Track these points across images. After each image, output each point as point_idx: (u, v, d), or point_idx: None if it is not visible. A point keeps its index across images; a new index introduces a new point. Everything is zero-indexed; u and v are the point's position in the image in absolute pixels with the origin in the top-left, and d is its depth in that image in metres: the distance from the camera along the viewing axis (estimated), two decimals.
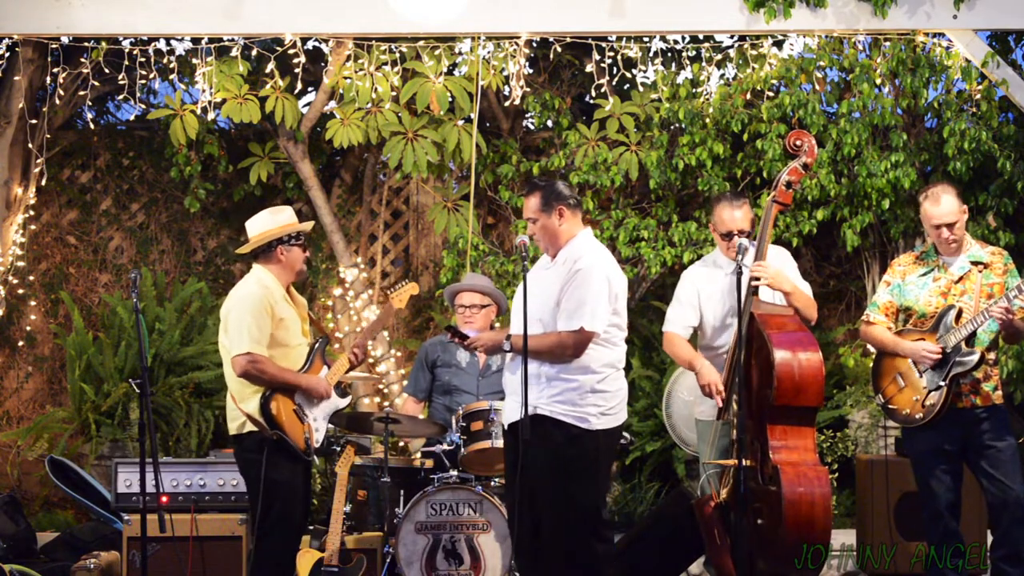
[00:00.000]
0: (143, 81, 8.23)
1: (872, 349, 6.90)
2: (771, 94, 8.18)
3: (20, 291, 9.10)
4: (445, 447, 6.79)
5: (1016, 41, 8.42)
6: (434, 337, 7.75)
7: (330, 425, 6.31)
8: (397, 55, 8.26)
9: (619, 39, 8.12)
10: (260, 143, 8.98)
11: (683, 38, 8.56)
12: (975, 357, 5.79)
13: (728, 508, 6.02)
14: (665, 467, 8.65)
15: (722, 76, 8.51)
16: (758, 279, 6.00)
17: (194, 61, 8.28)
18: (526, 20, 7.96)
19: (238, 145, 9.18)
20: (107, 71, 8.31)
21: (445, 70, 8.32)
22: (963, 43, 7.83)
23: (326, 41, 8.47)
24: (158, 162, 9.31)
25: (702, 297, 6.35)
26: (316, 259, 9.21)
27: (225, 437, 6.18)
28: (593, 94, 8.38)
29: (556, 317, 5.63)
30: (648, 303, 8.84)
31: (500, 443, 6.54)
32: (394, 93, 8.36)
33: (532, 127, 9.24)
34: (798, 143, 6.15)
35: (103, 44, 8.19)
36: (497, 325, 7.29)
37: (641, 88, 8.50)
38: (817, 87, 8.22)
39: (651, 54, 8.46)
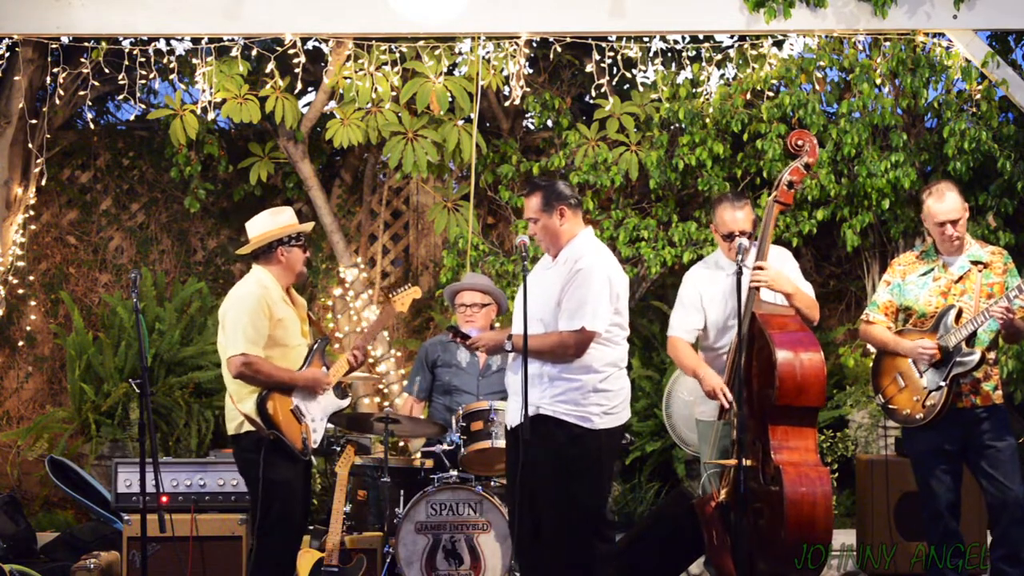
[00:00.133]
0: (143, 81, 8.23)
1: (872, 349, 6.90)
2: (771, 94, 8.18)
3: (20, 291, 9.10)
4: (445, 447, 6.79)
5: (1016, 41, 8.42)
6: (434, 337, 7.75)
7: (330, 425, 6.30)
8: (397, 55, 8.25)
9: (619, 39, 8.12)
10: (260, 143, 8.98)
11: (683, 38, 8.56)
12: (975, 357, 5.79)
13: (728, 508, 6.01)
14: (665, 467, 8.65)
15: (722, 76, 8.52)
16: (758, 286, 5.99)
17: (194, 61, 8.28)
18: (526, 20, 7.96)
19: (238, 145, 9.18)
20: (107, 71, 8.31)
21: (445, 70, 8.32)
22: (963, 43, 7.83)
23: (326, 41, 8.47)
24: (158, 162, 9.31)
25: (704, 299, 6.34)
26: (316, 259, 9.22)
27: (225, 437, 6.17)
28: (593, 94, 8.38)
29: (557, 317, 5.62)
30: (648, 303, 8.84)
31: (500, 443, 6.54)
32: (394, 93, 8.36)
33: (532, 127, 9.24)
34: (800, 143, 6.15)
35: (103, 44, 8.19)
36: (497, 325, 7.29)
37: (641, 88, 8.50)
38: (817, 87, 8.22)
39: (651, 54, 8.46)
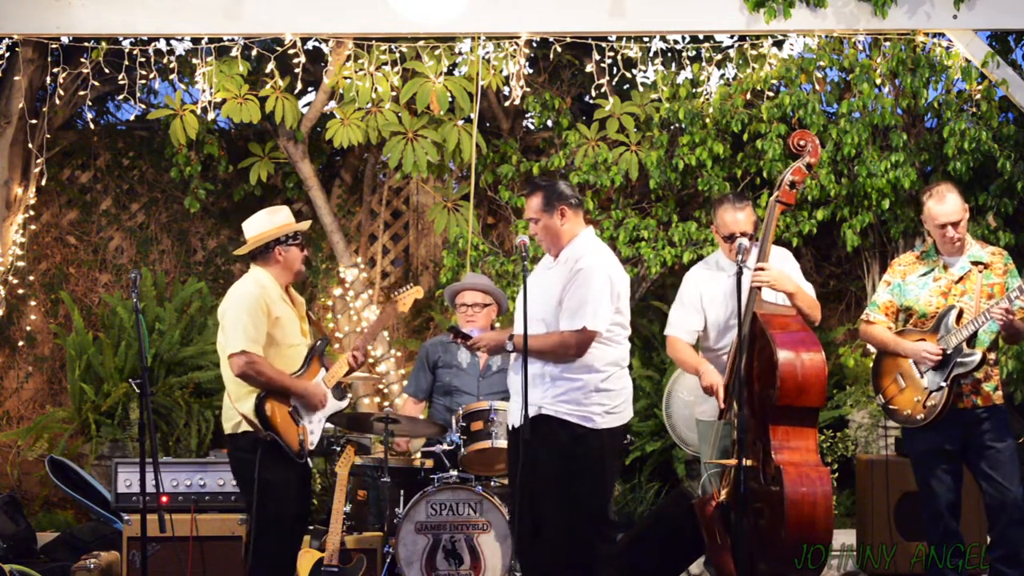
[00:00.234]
0: (143, 81, 8.23)
1: (872, 349, 6.90)
2: (771, 94, 8.18)
3: (20, 291, 9.10)
4: (445, 447, 6.79)
5: (1016, 41, 8.42)
6: (434, 337, 7.75)
7: (329, 425, 6.30)
8: (397, 55, 8.25)
9: (619, 39, 8.12)
10: (260, 143, 8.98)
11: (683, 38, 8.56)
12: (976, 358, 5.79)
13: (729, 508, 6.01)
14: (665, 467, 8.65)
15: (722, 76, 8.52)
16: (760, 286, 5.99)
17: (194, 61, 8.28)
18: (526, 20, 7.96)
19: (238, 145, 9.18)
20: (107, 71, 8.31)
21: (445, 70, 8.32)
22: (963, 43, 7.83)
23: (326, 41, 8.47)
24: (158, 162, 9.31)
25: (705, 299, 6.34)
26: (316, 259, 9.22)
27: (224, 437, 6.17)
28: (593, 94, 8.38)
29: (559, 317, 5.62)
30: (648, 303, 8.84)
31: (500, 443, 6.55)
32: (394, 93, 8.36)
33: (532, 127, 9.24)
34: (802, 143, 6.15)
35: (103, 44, 8.19)
36: (498, 325, 7.29)
37: (641, 88, 8.50)
38: (817, 87, 8.22)
39: (651, 54, 8.46)
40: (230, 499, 7.15)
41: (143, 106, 8.43)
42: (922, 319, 5.99)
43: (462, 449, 6.65)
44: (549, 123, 8.78)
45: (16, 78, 8.43)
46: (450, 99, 8.37)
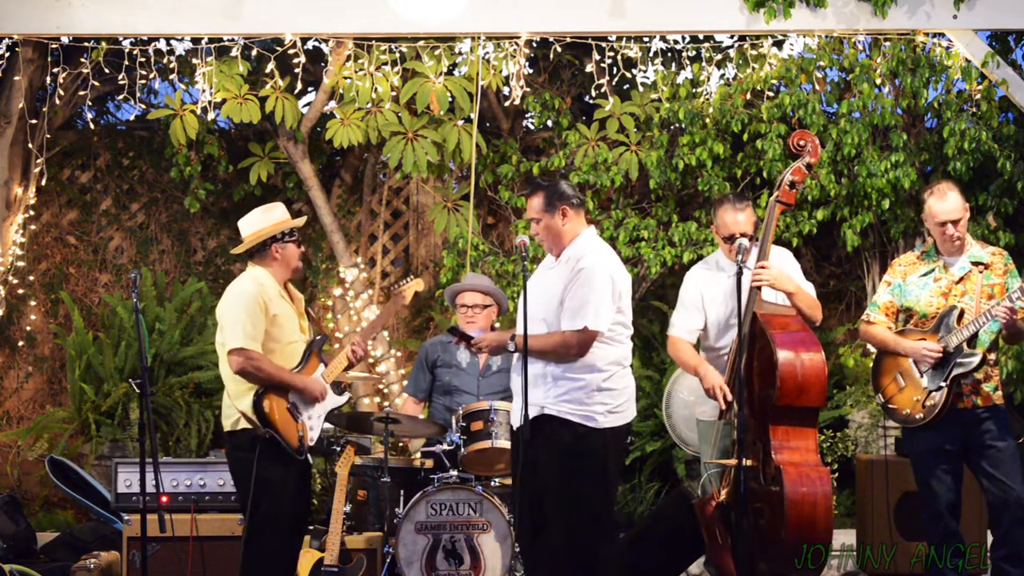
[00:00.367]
0: (143, 81, 8.23)
1: (872, 349, 6.89)
2: (771, 94, 8.18)
3: (20, 291, 9.10)
4: (445, 447, 6.79)
5: (1016, 41, 8.42)
6: (434, 337, 7.75)
7: (329, 425, 6.29)
8: (397, 55, 8.25)
9: (619, 39, 8.12)
10: (260, 143, 8.97)
11: (683, 38, 8.56)
12: (977, 358, 5.79)
13: (729, 508, 6.01)
14: (665, 467, 8.65)
15: (722, 76, 8.52)
16: (760, 285, 5.99)
17: (194, 61, 8.28)
18: (526, 20, 7.96)
19: (238, 145, 9.18)
20: (107, 71, 8.31)
21: (445, 70, 8.32)
22: (963, 43, 7.83)
23: (326, 41, 8.47)
24: (158, 162, 9.31)
25: (705, 299, 6.34)
26: (316, 259, 9.22)
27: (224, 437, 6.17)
28: (593, 94, 8.38)
29: (560, 317, 5.62)
30: (648, 303, 8.84)
31: (500, 443, 6.55)
32: (394, 93, 8.36)
33: (532, 127, 9.24)
34: (802, 143, 6.15)
35: (103, 44, 8.19)
36: (498, 325, 7.29)
37: (641, 88, 8.50)
38: (817, 87, 8.22)
39: (651, 54, 8.46)
40: (230, 499, 7.15)
41: (143, 106, 8.43)
42: (922, 319, 5.99)
43: (462, 449, 6.65)
44: (549, 123, 8.78)
45: (16, 78, 8.43)
46: (450, 99, 8.37)
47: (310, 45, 8.69)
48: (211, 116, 8.41)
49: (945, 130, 7.92)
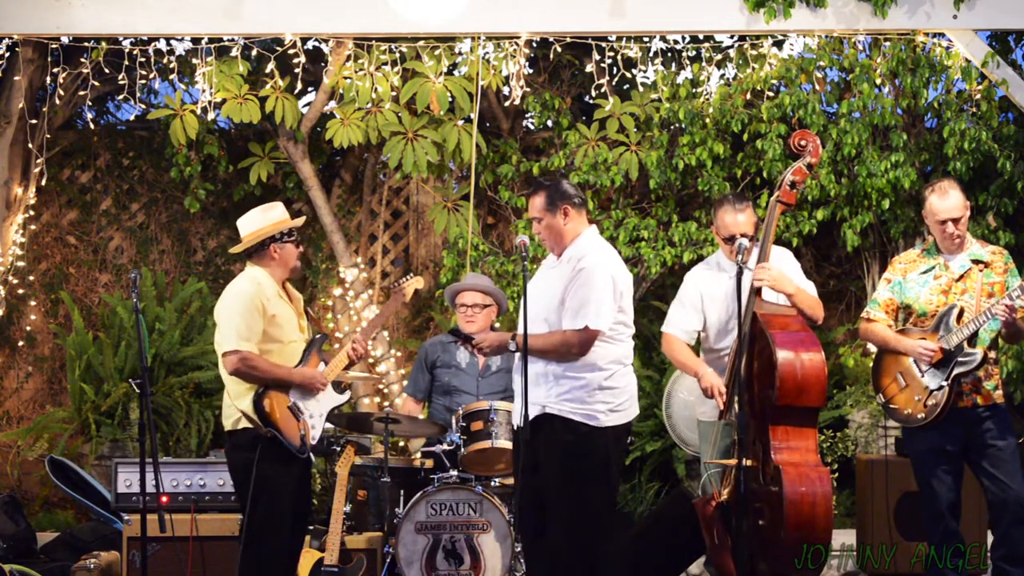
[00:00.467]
0: (143, 81, 8.23)
1: (872, 349, 6.89)
2: (771, 94, 8.18)
3: (20, 291, 9.10)
4: (445, 447, 6.79)
5: (1016, 41, 8.42)
6: (434, 337, 7.75)
7: (329, 425, 6.29)
8: (397, 55, 8.25)
9: (619, 39, 8.12)
10: (260, 143, 8.98)
11: (683, 38, 8.56)
12: (977, 356, 5.79)
13: (729, 508, 6.01)
14: (665, 467, 8.65)
15: (722, 76, 8.52)
16: (761, 286, 5.99)
17: (194, 61, 8.28)
18: (526, 20, 7.96)
19: (238, 145, 9.18)
20: (107, 71, 8.31)
21: (445, 70, 8.32)
22: (963, 43, 7.83)
23: (326, 41, 8.47)
24: (158, 162, 9.32)
25: (705, 300, 6.34)
26: (316, 259, 9.22)
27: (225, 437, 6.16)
28: (593, 94, 8.38)
29: (561, 316, 5.62)
30: (648, 303, 8.84)
31: (500, 443, 6.56)
32: (394, 93, 8.36)
33: (532, 127, 9.24)
34: (803, 143, 6.15)
35: (103, 44, 8.19)
36: (497, 325, 7.29)
37: (641, 88, 8.50)
38: (817, 87, 8.22)
39: (651, 54, 8.46)
40: (230, 499, 7.15)
41: (143, 106, 8.43)
42: (922, 317, 5.99)
43: (462, 449, 6.65)
44: (549, 123, 8.78)
45: (16, 78, 8.43)
46: (450, 99, 8.37)
47: (310, 45, 8.70)
48: (211, 116, 8.41)
49: (945, 130, 7.92)
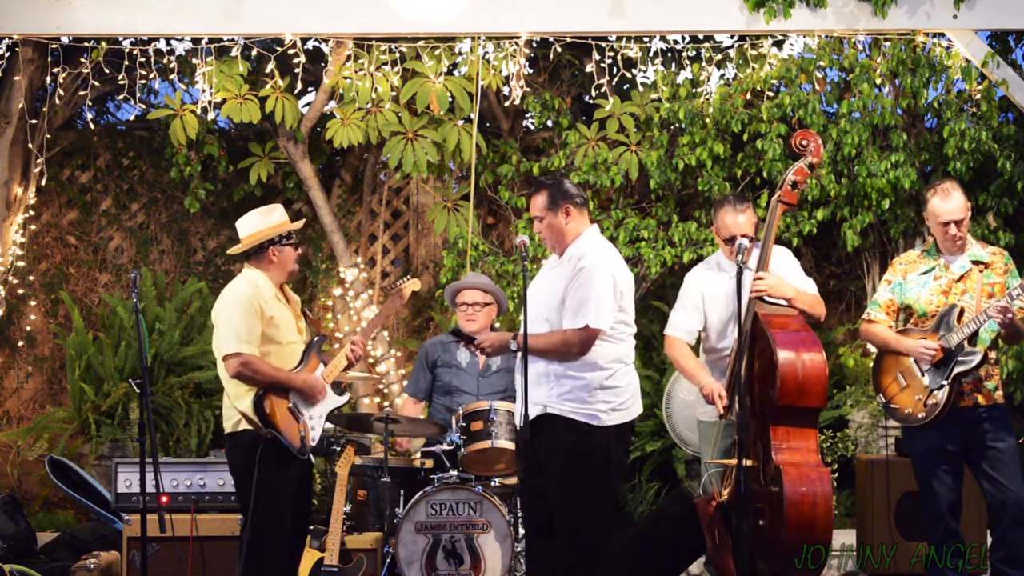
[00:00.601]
0: (143, 81, 8.23)
1: (872, 349, 6.89)
2: (771, 94, 8.18)
3: (20, 291, 9.10)
4: (445, 447, 6.78)
5: (1016, 41, 8.43)
6: (434, 337, 7.75)
7: (329, 425, 6.29)
8: (397, 55, 8.25)
9: (619, 39, 8.12)
10: (260, 143, 8.97)
11: (683, 38, 8.56)
12: (978, 356, 5.79)
13: (729, 508, 6.01)
14: (665, 467, 8.64)
15: (722, 76, 8.52)
16: (759, 296, 5.99)
17: (194, 61, 8.28)
18: (526, 20, 7.96)
19: (238, 145, 9.18)
20: (107, 71, 8.31)
21: (445, 70, 8.32)
22: (963, 43, 7.84)
23: (326, 41, 8.47)
24: (158, 162, 9.32)
25: (706, 300, 6.34)
26: (316, 259, 9.22)
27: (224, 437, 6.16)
28: (593, 94, 8.38)
29: (562, 315, 5.62)
30: (648, 303, 8.83)
31: (500, 443, 6.55)
32: (394, 93, 8.36)
33: (532, 127, 9.24)
34: (804, 143, 6.15)
35: (103, 44, 8.19)
36: (497, 325, 7.29)
37: (641, 88, 8.50)
38: (817, 87, 8.23)
39: (651, 54, 8.46)
40: (230, 499, 7.14)
41: (143, 106, 8.43)
42: (922, 318, 5.99)
43: (462, 449, 6.65)
44: (549, 123, 8.78)
45: (16, 78, 8.43)
46: (450, 99, 8.37)
47: (310, 45, 8.70)
48: (211, 116, 8.41)
49: (945, 130, 7.92)
